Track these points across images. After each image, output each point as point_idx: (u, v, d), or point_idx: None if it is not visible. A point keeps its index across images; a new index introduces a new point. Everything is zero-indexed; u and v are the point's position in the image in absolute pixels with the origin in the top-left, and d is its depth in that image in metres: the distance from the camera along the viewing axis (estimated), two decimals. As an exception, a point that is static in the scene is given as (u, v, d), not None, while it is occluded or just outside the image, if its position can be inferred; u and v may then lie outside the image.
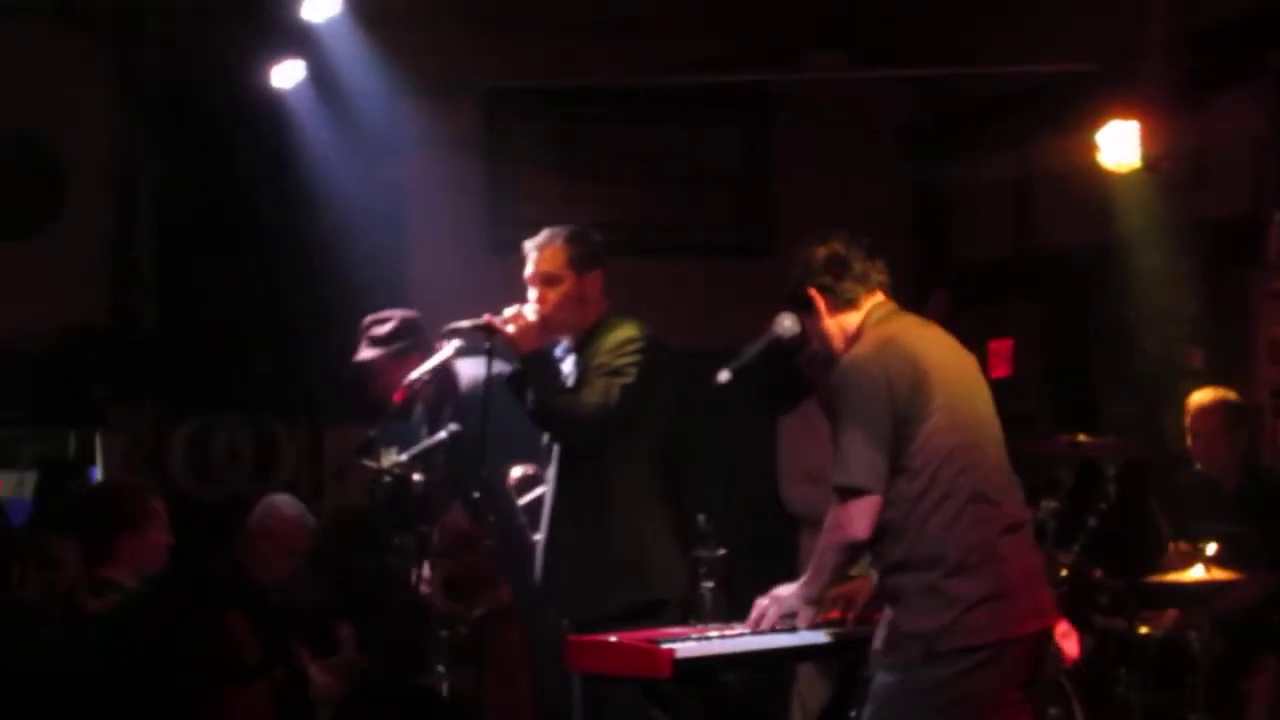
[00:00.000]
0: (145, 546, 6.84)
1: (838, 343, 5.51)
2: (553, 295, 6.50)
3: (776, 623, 5.52)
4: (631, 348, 6.37)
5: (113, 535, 6.80)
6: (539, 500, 6.72)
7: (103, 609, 6.49)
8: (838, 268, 5.49)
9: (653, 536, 6.37)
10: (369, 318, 7.57)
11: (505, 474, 6.89)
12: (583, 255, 6.55)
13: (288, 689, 6.94)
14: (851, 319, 5.49)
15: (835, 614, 5.60)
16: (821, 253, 5.52)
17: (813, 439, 7.93)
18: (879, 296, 5.53)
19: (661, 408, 6.43)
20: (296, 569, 7.46)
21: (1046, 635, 5.52)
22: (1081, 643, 6.99)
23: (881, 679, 5.29)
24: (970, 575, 5.20)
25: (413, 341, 7.34)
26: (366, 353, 7.49)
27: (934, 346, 5.45)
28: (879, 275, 5.55)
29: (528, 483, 6.84)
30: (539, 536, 6.59)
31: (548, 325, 6.49)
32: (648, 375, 6.33)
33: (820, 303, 5.51)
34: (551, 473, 6.56)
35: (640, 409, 6.33)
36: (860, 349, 5.38)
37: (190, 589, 6.89)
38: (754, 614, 5.55)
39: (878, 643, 5.32)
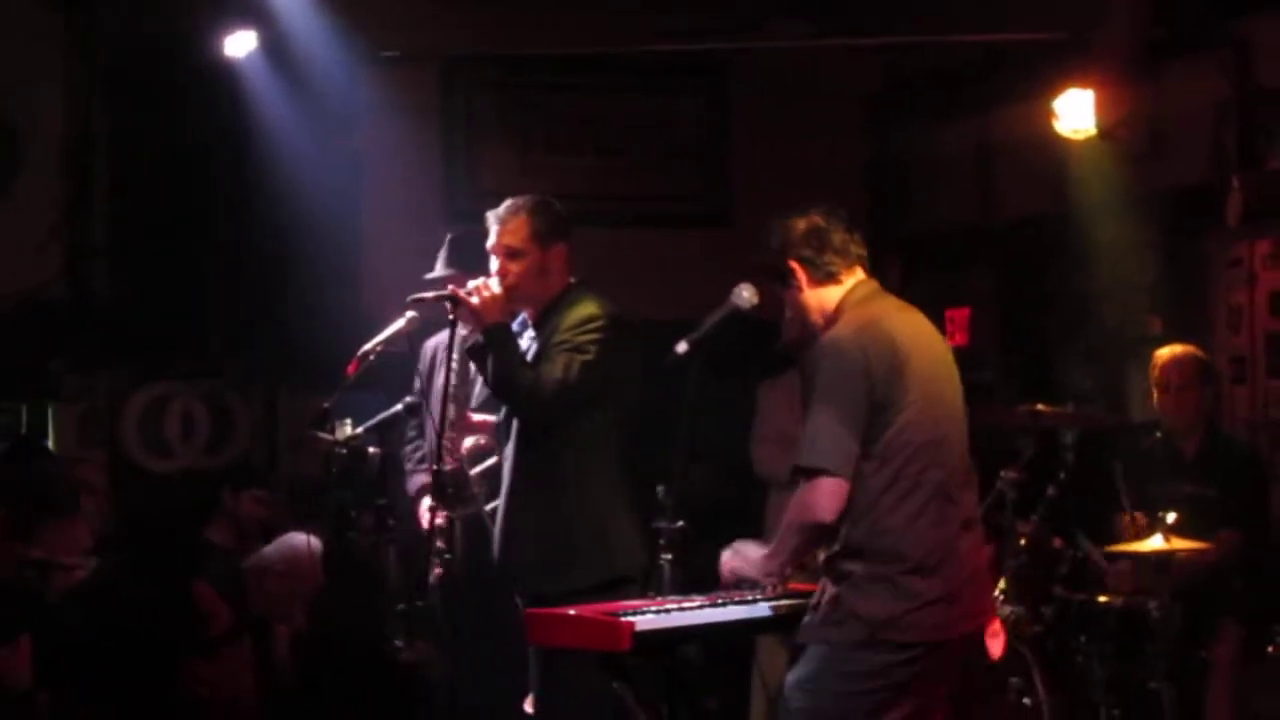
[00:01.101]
0: (67, 536, 6.73)
1: (815, 316, 5.49)
2: (515, 268, 6.44)
3: (732, 578, 5.54)
4: (594, 325, 6.31)
5: (37, 521, 6.68)
6: (491, 470, 6.69)
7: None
8: (818, 240, 5.46)
9: (613, 512, 6.33)
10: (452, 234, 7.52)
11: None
12: (547, 228, 6.48)
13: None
14: (831, 294, 5.47)
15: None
16: (802, 224, 5.49)
17: (790, 405, 7.94)
18: (859, 273, 5.50)
19: (622, 385, 6.38)
20: (294, 608, 7.40)
21: (980, 634, 5.51)
22: (1007, 642, 6.96)
23: (814, 651, 5.29)
24: (928, 575, 5.20)
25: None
26: (443, 270, 7.42)
27: (914, 332, 5.42)
28: (858, 249, 5.52)
29: (479, 455, 6.80)
30: (498, 511, 6.56)
31: (510, 298, 6.45)
32: (608, 353, 6.29)
33: (801, 275, 5.48)
34: (510, 449, 6.52)
35: (601, 386, 6.29)
36: (841, 329, 5.35)
37: (156, 561, 6.83)
38: (722, 569, 5.58)
39: (815, 616, 5.30)
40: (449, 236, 7.51)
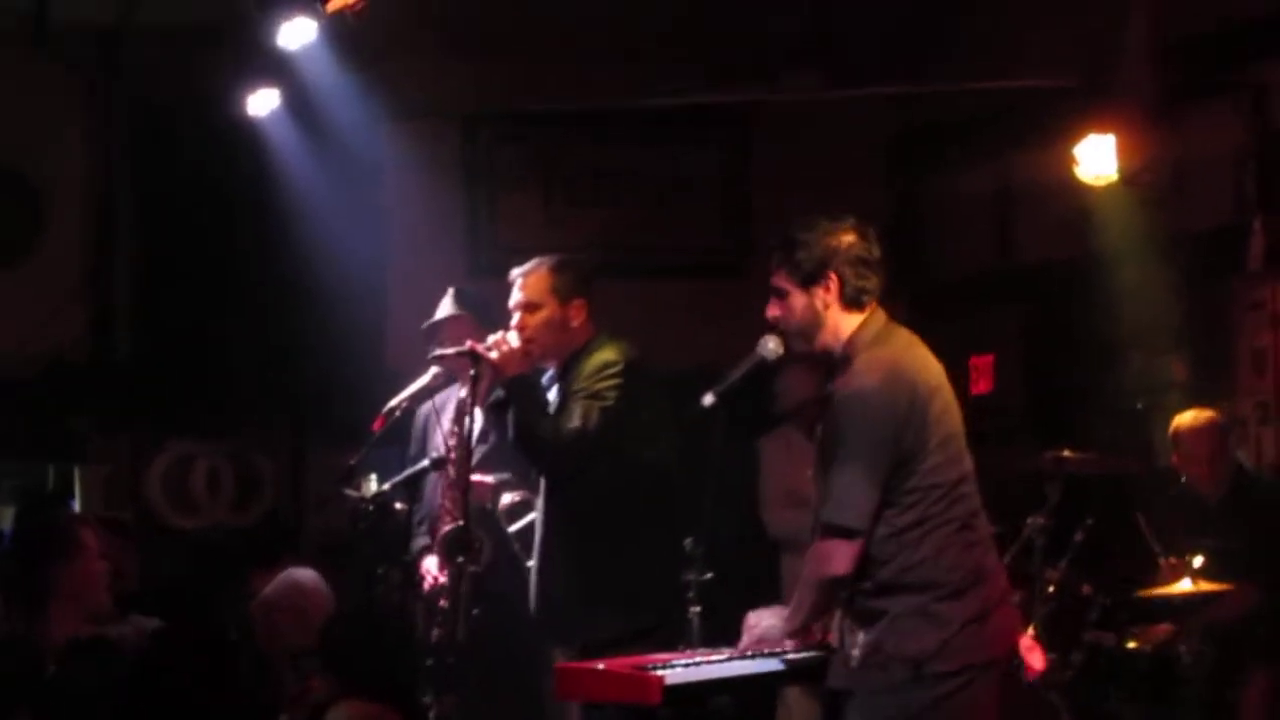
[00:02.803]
0: (77, 577, 6.70)
1: (825, 336, 5.34)
2: (533, 321, 6.52)
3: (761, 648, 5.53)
4: (610, 371, 6.36)
5: (44, 568, 6.65)
6: (530, 527, 6.70)
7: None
8: (862, 265, 5.33)
9: (640, 561, 6.32)
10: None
11: (496, 500, 6.88)
12: (566, 283, 6.56)
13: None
14: (849, 322, 5.32)
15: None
16: (850, 239, 5.33)
17: (793, 461, 7.87)
18: (874, 305, 5.37)
19: (646, 430, 6.39)
20: (301, 645, 7.36)
21: (1013, 651, 5.48)
22: (1046, 657, 6.93)
23: (859, 705, 5.24)
24: (960, 599, 5.16)
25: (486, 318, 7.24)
26: (449, 310, 7.42)
27: (928, 371, 5.33)
28: (881, 280, 5.38)
29: (519, 509, 6.81)
30: (532, 563, 6.58)
31: (529, 352, 6.49)
32: (627, 398, 6.31)
33: (834, 291, 5.31)
34: (540, 500, 6.55)
35: (620, 432, 6.30)
36: (866, 379, 5.21)
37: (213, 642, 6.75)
38: (746, 637, 5.55)
39: (849, 659, 5.27)
40: (452, 290, 7.54)
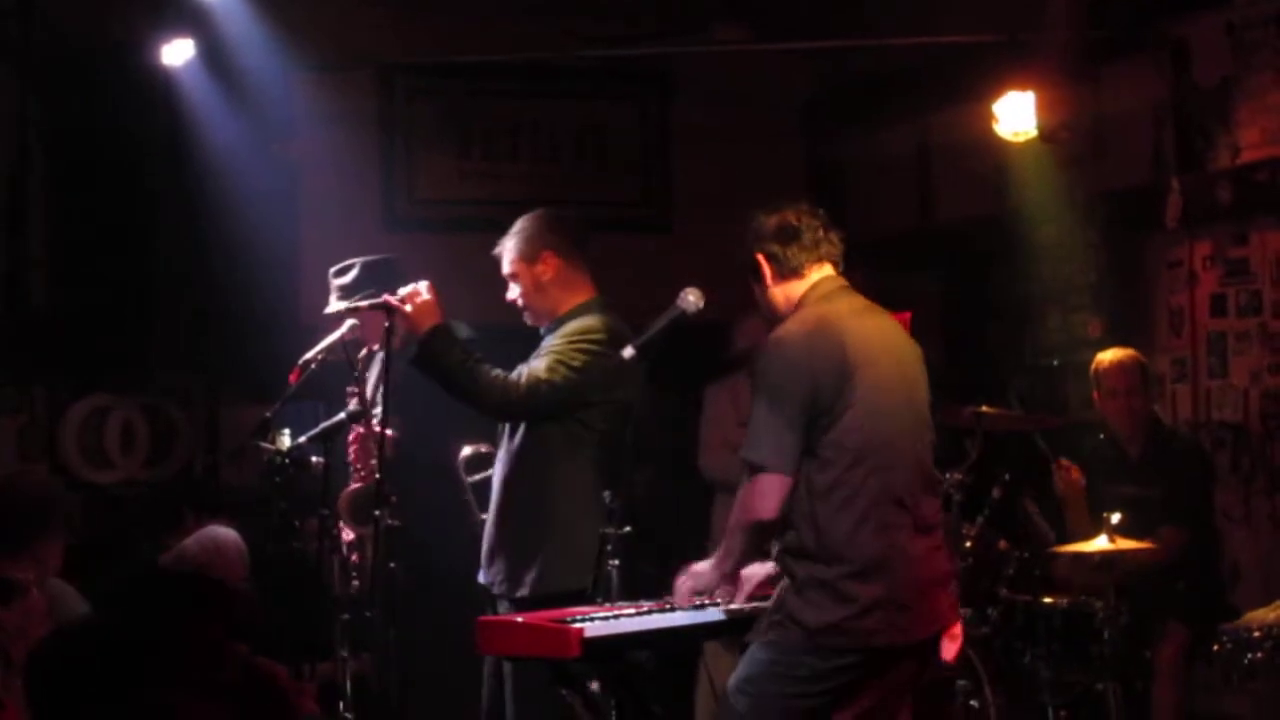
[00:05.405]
0: (56, 550, 6.62)
1: (783, 310, 5.50)
2: (517, 290, 6.54)
3: (690, 600, 5.50)
4: (588, 338, 6.30)
5: (33, 536, 6.52)
6: (486, 481, 6.65)
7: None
8: (786, 236, 5.48)
9: (585, 525, 6.25)
10: (333, 268, 7.36)
11: (455, 451, 6.83)
12: (527, 244, 6.52)
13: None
14: (796, 288, 5.48)
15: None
16: (773, 220, 5.52)
17: (737, 412, 7.92)
18: (828, 269, 5.50)
19: (614, 403, 6.32)
20: None
21: (937, 639, 5.44)
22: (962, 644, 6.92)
23: (756, 652, 5.29)
24: (869, 580, 5.18)
25: (380, 284, 7.13)
26: (336, 305, 7.30)
27: (872, 336, 5.39)
28: (830, 247, 5.53)
29: (477, 461, 6.75)
30: (487, 517, 6.54)
31: (525, 315, 6.50)
32: (598, 368, 6.23)
33: (766, 270, 5.50)
34: (498, 462, 6.52)
35: (583, 397, 6.25)
36: (791, 327, 5.35)
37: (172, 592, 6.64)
38: (678, 594, 5.54)
39: (765, 616, 5.30)
40: (331, 271, 7.38)
